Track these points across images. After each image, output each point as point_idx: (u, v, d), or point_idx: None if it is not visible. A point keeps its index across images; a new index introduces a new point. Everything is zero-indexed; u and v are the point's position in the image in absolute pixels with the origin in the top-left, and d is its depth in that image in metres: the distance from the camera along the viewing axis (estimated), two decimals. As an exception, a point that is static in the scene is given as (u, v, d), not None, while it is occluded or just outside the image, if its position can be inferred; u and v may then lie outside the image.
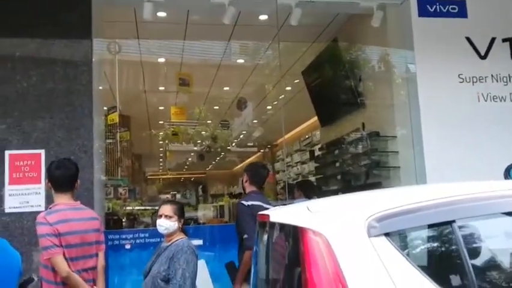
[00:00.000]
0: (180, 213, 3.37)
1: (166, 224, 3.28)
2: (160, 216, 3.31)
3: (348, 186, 6.16)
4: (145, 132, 10.50)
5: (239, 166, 15.32)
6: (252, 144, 12.37)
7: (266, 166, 4.67)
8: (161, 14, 4.58)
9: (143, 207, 9.99)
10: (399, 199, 1.86)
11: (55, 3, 4.12)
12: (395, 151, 5.23)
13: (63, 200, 3.13)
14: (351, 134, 6.08)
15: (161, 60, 6.35)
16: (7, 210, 3.94)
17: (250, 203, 3.76)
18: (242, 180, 4.18)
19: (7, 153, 3.98)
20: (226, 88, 7.72)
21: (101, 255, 3.21)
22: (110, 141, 7.36)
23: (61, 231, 2.95)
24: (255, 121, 9.36)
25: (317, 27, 5.68)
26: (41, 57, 4.07)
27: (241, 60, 6.45)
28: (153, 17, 4.19)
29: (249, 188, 4.03)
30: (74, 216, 3.09)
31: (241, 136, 11.54)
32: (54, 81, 4.08)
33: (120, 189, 8.06)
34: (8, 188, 3.98)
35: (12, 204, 3.98)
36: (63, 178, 3.14)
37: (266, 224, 2.22)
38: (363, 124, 5.79)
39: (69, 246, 2.96)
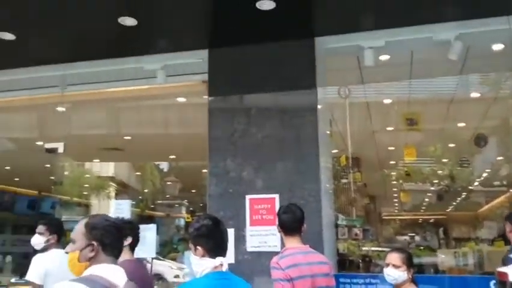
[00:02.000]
0: (409, 262, 3.15)
1: (394, 274, 3.10)
2: (388, 265, 3.16)
3: None
4: (376, 173, 10.41)
5: (485, 208, 13.75)
6: (499, 183, 11.03)
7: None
8: (384, 57, 4.55)
9: (379, 249, 9.80)
10: None
11: (283, 60, 4.50)
12: None
13: (293, 244, 3.28)
14: None
15: (388, 101, 6.26)
16: (248, 249, 4.33)
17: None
18: (505, 230, 3.78)
19: (247, 197, 4.43)
20: (461, 124, 7.09)
21: None
22: (345, 181, 7.54)
23: (292, 276, 3.08)
24: (500, 158, 8.31)
25: None
26: (272, 110, 4.47)
27: (476, 94, 5.86)
28: (376, 62, 4.19)
29: None
30: (304, 260, 3.19)
31: (485, 174, 10.40)
32: (284, 130, 4.41)
33: (355, 230, 8.06)
34: (249, 229, 4.39)
35: (253, 244, 4.37)
36: (290, 222, 3.30)
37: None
38: None
39: (301, 290, 3.07)
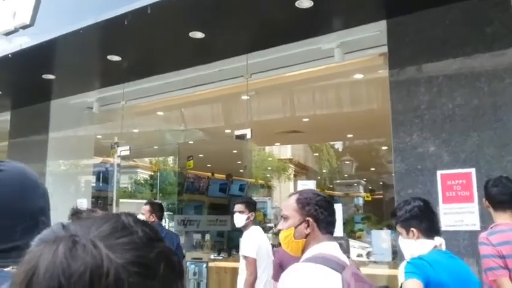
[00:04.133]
0: None
1: None
2: None
3: None
4: None
5: None
6: None
7: None
8: None
9: None
10: None
11: (472, 20, 4.06)
12: None
13: (504, 220, 3.00)
14: None
15: None
16: (443, 228, 4.06)
17: None
18: None
19: (439, 173, 4.14)
20: None
21: None
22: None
23: (505, 254, 2.84)
24: None
25: None
26: (462, 76, 4.07)
27: None
28: None
29: None
30: None
31: None
32: (478, 98, 3.99)
33: None
34: (442, 207, 4.11)
35: (447, 222, 4.08)
36: (500, 196, 3.03)
37: None
38: None
39: (512, 269, 2.81)
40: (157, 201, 7.18)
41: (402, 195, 4.24)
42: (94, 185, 8.49)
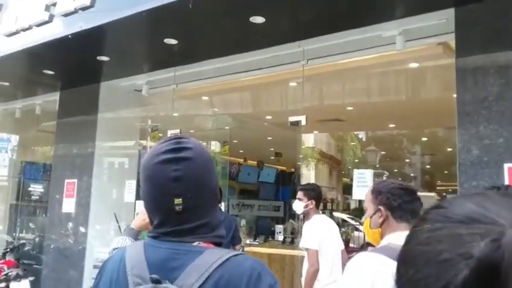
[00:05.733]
0: None
1: None
2: None
3: None
4: None
5: None
6: None
7: None
8: None
9: None
10: None
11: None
12: None
13: None
14: None
15: None
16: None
17: None
18: None
19: (505, 166, 4.05)
20: None
21: None
22: None
23: None
24: None
25: None
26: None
27: None
28: None
29: None
30: None
31: None
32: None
33: None
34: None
35: None
36: None
37: None
38: None
39: None
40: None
41: (466, 188, 4.17)
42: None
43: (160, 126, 7.77)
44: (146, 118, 8.03)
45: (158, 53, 5.65)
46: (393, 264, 1.66)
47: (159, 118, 8.25)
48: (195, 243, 1.15)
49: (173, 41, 5.17)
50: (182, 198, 1.14)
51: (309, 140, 15.34)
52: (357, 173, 4.84)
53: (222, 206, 6.41)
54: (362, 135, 15.51)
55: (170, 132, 5.94)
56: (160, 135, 7.45)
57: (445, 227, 0.50)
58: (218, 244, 1.20)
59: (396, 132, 12.76)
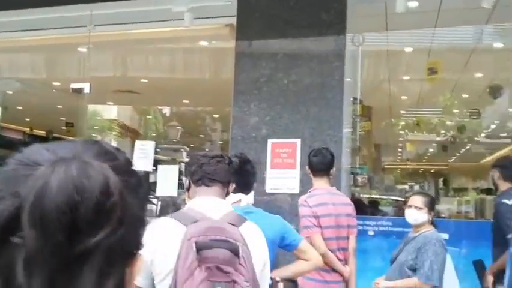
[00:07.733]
0: (430, 205, 3.35)
1: (416, 215, 3.30)
2: (410, 206, 3.35)
3: None
4: (384, 122, 10.52)
5: (488, 159, 14.01)
6: (505, 135, 11.18)
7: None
8: (413, 3, 4.56)
9: (383, 197, 10.14)
10: None
11: (314, 5, 4.49)
12: None
13: (320, 185, 3.50)
14: None
15: (409, 49, 6.26)
16: (267, 191, 4.51)
17: (512, 201, 3.56)
18: (492, 176, 4.04)
19: (269, 141, 4.55)
20: (478, 74, 7.11)
21: (352, 238, 3.53)
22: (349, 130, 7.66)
23: (319, 214, 3.33)
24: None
25: None
26: (299, 56, 4.51)
27: (499, 44, 5.85)
28: (405, 8, 4.18)
29: (504, 185, 3.88)
30: (330, 200, 3.45)
31: (493, 126, 10.53)
32: (311, 77, 4.47)
33: (358, 178, 8.27)
34: (269, 172, 4.55)
35: (272, 186, 4.54)
36: (319, 164, 3.52)
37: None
38: None
39: (325, 228, 3.32)
40: None
41: (238, 160, 4.56)
42: None
43: None
44: None
45: None
46: (181, 227, 1.70)
47: None
48: None
49: None
50: None
51: (111, 112, 14.73)
52: (139, 144, 4.86)
53: None
54: (166, 110, 15.54)
55: None
56: None
57: (9, 168, 0.55)
58: None
59: (201, 109, 13.12)
